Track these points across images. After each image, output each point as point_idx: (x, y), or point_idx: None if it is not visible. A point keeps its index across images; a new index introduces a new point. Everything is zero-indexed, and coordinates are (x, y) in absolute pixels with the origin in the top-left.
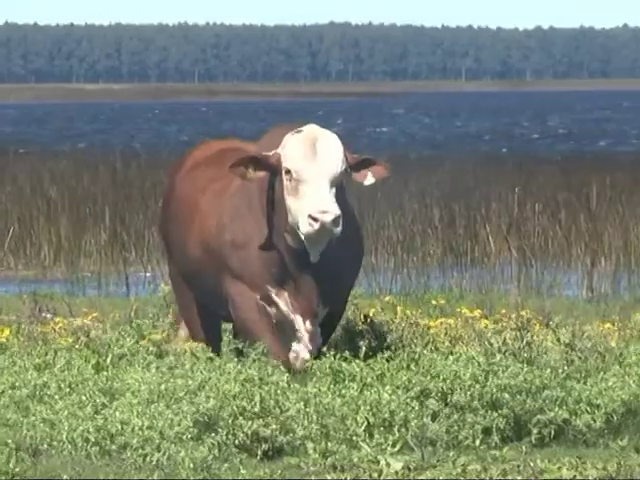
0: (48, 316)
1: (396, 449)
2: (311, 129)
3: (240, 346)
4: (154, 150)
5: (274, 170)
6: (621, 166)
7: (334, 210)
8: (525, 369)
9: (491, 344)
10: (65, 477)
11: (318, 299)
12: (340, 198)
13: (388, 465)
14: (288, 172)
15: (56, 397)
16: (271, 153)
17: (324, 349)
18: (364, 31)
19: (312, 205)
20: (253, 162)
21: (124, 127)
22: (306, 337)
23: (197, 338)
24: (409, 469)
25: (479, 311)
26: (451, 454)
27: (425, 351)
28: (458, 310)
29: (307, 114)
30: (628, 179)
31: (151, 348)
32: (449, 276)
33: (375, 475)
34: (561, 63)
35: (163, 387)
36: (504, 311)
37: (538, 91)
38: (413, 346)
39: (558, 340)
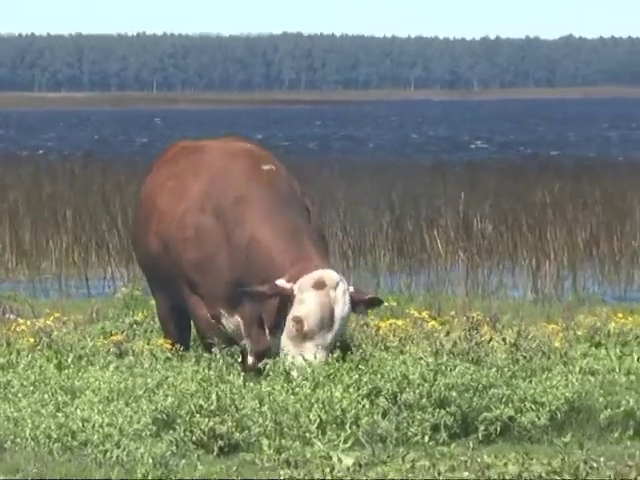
0: (11, 317)
1: (347, 445)
2: (331, 285)
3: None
4: (113, 155)
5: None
6: (564, 172)
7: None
8: (472, 368)
9: (442, 344)
10: (29, 472)
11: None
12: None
13: (340, 461)
14: (299, 322)
15: (19, 395)
16: (287, 286)
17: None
18: (316, 41)
19: (302, 365)
20: (262, 296)
21: (83, 134)
22: (251, 358)
23: (168, 335)
24: (360, 465)
25: (428, 312)
26: (401, 450)
27: (375, 351)
28: (407, 311)
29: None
30: (571, 185)
31: (112, 349)
32: (399, 278)
33: (327, 471)
34: (507, 72)
35: (122, 385)
36: (452, 312)
37: (485, 100)
38: (364, 346)
39: (504, 340)
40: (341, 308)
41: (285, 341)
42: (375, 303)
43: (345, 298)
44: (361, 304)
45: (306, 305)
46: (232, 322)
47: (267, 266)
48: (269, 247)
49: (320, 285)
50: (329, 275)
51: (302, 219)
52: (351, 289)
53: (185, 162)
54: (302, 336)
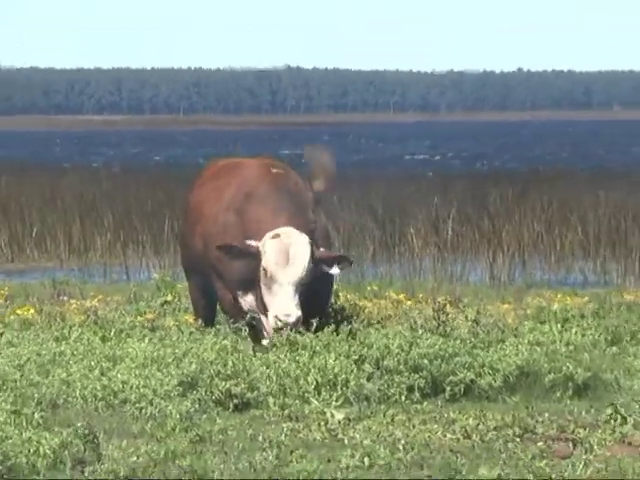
0: (65, 299)
1: (339, 403)
2: (287, 235)
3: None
4: (146, 167)
5: (253, 257)
6: (515, 180)
7: (296, 313)
8: (440, 340)
9: (416, 321)
10: (79, 425)
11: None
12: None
13: (332, 416)
14: (264, 270)
15: (71, 362)
16: (253, 244)
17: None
18: (313, 74)
19: (279, 308)
20: (235, 250)
21: (121, 149)
22: (269, 332)
23: (197, 314)
24: (349, 419)
25: (404, 295)
26: (382, 407)
27: (362, 326)
28: (388, 294)
29: (269, 141)
30: (521, 191)
31: (146, 324)
32: (381, 267)
33: (322, 424)
34: (469, 99)
35: (155, 354)
36: (424, 295)
37: (450, 121)
38: (353, 322)
39: (466, 317)
40: (298, 249)
41: (263, 291)
42: (344, 260)
43: (302, 242)
44: (331, 260)
45: (267, 253)
46: (248, 300)
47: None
48: (263, 228)
49: (276, 236)
50: (285, 230)
51: (296, 208)
52: (321, 249)
53: (225, 177)
54: (270, 280)
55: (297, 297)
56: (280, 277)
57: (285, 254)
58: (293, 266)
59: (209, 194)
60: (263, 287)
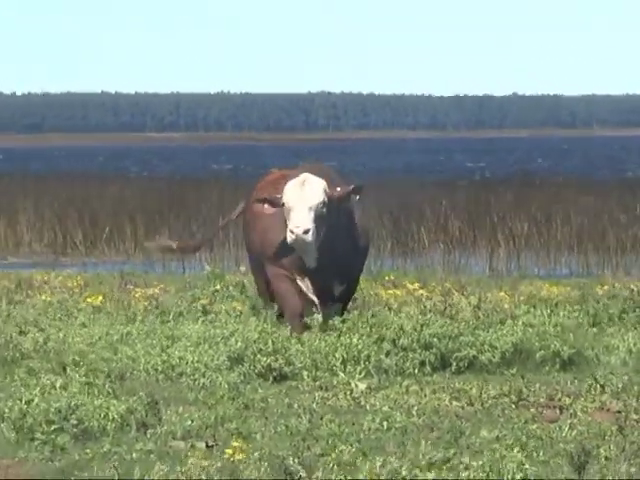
0: (131, 287)
1: (362, 376)
2: (303, 175)
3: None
4: (201, 176)
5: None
6: (510, 187)
7: (305, 224)
8: (447, 322)
9: (426, 306)
10: (142, 394)
11: (333, 283)
12: (345, 212)
13: (356, 386)
14: (284, 204)
15: (136, 341)
16: (280, 196)
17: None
18: (339, 98)
19: (291, 222)
20: (267, 201)
21: (179, 162)
22: (319, 310)
23: (261, 295)
24: (370, 389)
25: (417, 284)
26: (398, 379)
27: (381, 310)
28: (403, 283)
29: (303, 154)
30: (514, 197)
31: (199, 309)
32: (397, 260)
33: (348, 393)
34: (471, 119)
35: (207, 334)
36: (433, 284)
37: (455, 138)
38: (373, 307)
39: (469, 303)
40: (311, 180)
41: (287, 223)
42: (359, 189)
43: (316, 179)
44: (347, 195)
45: (285, 190)
46: (303, 284)
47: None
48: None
49: (292, 179)
50: (301, 174)
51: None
52: (338, 189)
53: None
54: (288, 211)
55: (311, 217)
56: (295, 200)
57: (300, 185)
58: (306, 190)
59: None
60: (285, 216)
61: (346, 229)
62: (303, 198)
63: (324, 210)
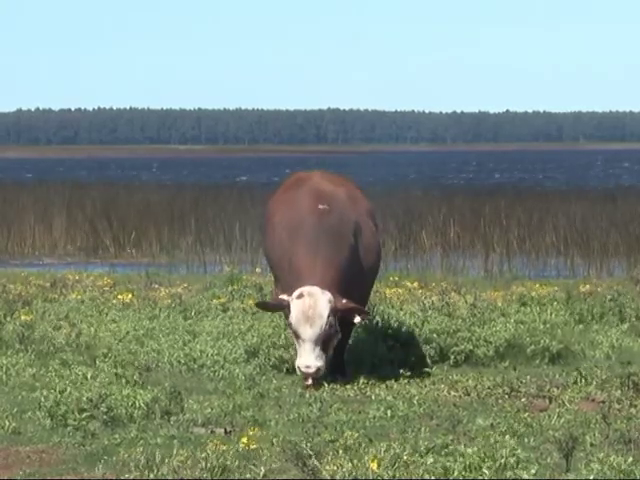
0: (156, 286)
1: (367, 367)
2: (309, 294)
3: None
4: (220, 186)
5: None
6: (505, 195)
7: (315, 364)
8: (446, 319)
9: (426, 304)
10: (166, 384)
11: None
12: (366, 229)
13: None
14: (290, 325)
15: (160, 336)
16: (285, 298)
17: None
18: (348, 113)
19: (300, 361)
20: (270, 305)
21: (200, 173)
22: None
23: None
24: (375, 380)
25: (418, 283)
26: (401, 371)
27: (385, 308)
28: (405, 283)
29: (314, 165)
30: (509, 204)
31: (219, 306)
32: (400, 262)
33: (355, 383)
34: (468, 133)
35: (225, 330)
36: (433, 284)
37: (455, 150)
38: (377, 305)
39: (466, 301)
40: (318, 310)
41: (293, 337)
42: (362, 312)
43: (323, 303)
44: (352, 311)
45: (292, 311)
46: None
47: (295, 281)
48: (299, 268)
49: (300, 296)
50: (309, 289)
51: (333, 249)
52: (343, 301)
53: (292, 191)
54: (294, 334)
55: (318, 350)
56: (302, 334)
57: (306, 315)
58: (313, 326)
59: (280, 205)
60: (291, 335)
61: (356, 256)
62: (310, 332)
63: (331, 319)
